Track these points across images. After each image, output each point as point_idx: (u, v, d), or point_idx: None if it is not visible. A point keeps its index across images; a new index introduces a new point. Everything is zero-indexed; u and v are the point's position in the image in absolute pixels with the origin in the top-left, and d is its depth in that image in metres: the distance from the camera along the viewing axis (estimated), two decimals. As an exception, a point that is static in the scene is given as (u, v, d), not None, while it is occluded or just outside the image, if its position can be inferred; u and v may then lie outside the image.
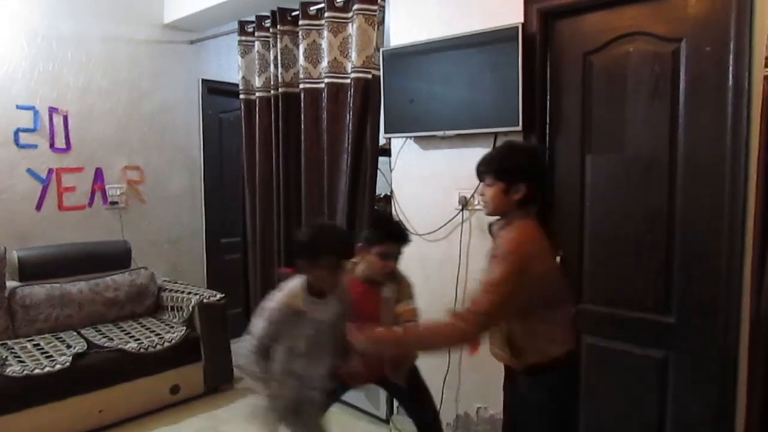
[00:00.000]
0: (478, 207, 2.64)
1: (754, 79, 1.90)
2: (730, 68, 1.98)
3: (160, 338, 3.26)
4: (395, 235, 2.22)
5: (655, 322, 2.24)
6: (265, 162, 3.57)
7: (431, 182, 2.81)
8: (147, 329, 3.41)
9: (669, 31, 2.15)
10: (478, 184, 2.06)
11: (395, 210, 2.97)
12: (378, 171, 3.08)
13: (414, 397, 2.38)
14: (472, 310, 1.71)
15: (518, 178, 1.79)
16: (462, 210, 2.69)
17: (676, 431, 2.22)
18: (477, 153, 2.60)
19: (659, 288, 2.22)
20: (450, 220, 2.74)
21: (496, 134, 2.54)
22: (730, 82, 1.98)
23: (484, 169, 1.87)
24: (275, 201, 3.53)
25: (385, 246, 2.17)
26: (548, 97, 2.45)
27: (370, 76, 2.97)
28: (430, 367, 2.80)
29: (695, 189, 2.12)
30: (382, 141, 3.09)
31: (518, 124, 2.38)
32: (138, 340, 3.22)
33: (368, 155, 3.05)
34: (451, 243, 2.75)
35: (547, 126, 2.47)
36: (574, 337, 1.88)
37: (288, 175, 3.44)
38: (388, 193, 3.14)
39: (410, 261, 2.82)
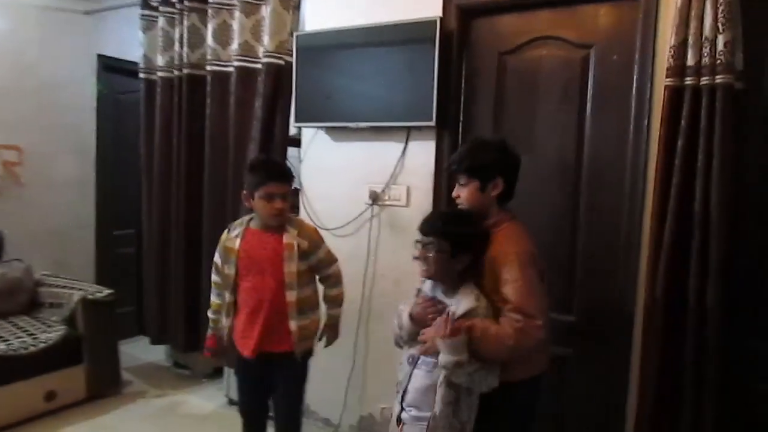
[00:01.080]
0: (388, 202, 2.58)
1: (656, 88, 1.97)
2: (635, 77, 2.05)
3: (34, 339, 2.92)
4: (275, 174, 2.10)
5: (558, 321, 2.27)
6: (165, 149, 3.31)
7: (342, 176, 2.72)
8: (19, 329, 3.04)
9: (580, 38, 2.20)
10: (447, 181, 1.90)
11: (303, 204, 2.84)
12: (287, 162, 2.94)
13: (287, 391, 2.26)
14: (528, 315, 1.55)
15: (493, 173, 1.71)
16: (372, 205, 2.62)
17: (574, 427, 2.27)
18: (389, 147, 2.57)
19: (561, 287, 2.26)
20: (359, 215, 2.66)
21: (409, 129, 2.49)
22: (634, 90, 2.05)
23: (456, 168, 1.76)
24: (175, 191, 3.28)
25: (268, 187, 2.06)
26: (463, 94, 2.44)
27: (282, 62, 2.83)
28: (334, 365, 2.71)
29: (598, 190, 2.18)
30: (292, 131, 2.96)
31: (432, 120, 2.34)
32: (7, 341, 2.86)
33: (277, 145, 2.90)
34: (360, 238, 2.66)
35: (461, 123, 2.45)
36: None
37: (190, 163, 3.20)
38: (297, 187, 3.01)
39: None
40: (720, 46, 1.75)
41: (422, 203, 2.50)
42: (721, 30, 1.74)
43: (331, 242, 2.67)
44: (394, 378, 2.57)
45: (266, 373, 2.20)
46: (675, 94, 1.85)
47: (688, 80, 1.82)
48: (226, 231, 2.22)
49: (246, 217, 2.22)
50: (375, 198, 2.61)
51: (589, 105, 2.18)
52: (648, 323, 1.98)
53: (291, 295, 2.10)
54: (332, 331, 2.32)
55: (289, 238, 2.12)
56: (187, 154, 3.20)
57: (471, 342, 1.56)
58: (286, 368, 2.19)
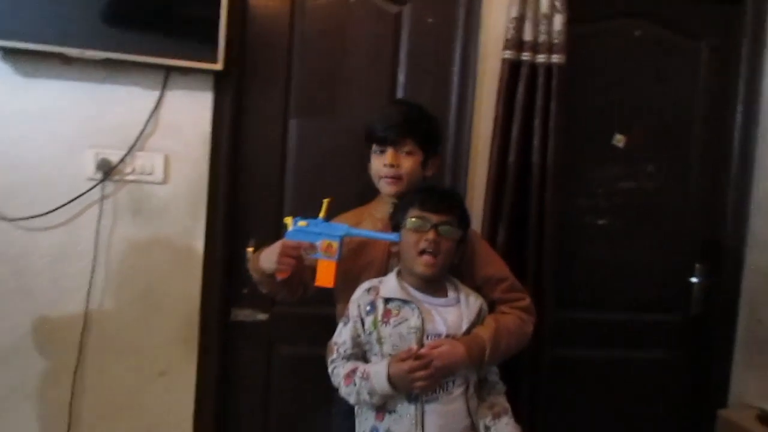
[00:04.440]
0: (131, 176, 1.74)
1: (486, 60, 1.85)
2: (458, 46, 1.89)
3: None
4: None
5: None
6: None
7: (42, 135, 1.69)
8: None
9: (392, -10, 1.91)
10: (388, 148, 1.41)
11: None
12: None
13: None
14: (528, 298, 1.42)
15: (437, 148, 1.48)
16: (103, 180, 1.72)
17: None
18: (133, 95, 1.73)
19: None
20: (79, 196, 1.72)
21: (168, 70, 1.72)
22: (457, 60, 1.89)
23: (406, 130, 1.39)
24: None
25: None
26: (247, 33, 1.82)
27: None
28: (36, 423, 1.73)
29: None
30: None
31: (217, 61, 1.66)
32: None
33: None
34: (77, 231, 1.72)
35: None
36: None
37: None
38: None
39: None
40: (557, 25, 1.74)
41: (191, 178, 1.77)
42: (558, 9, 1.74)
43: (22, 239, 1.70)
44: (143, 412, 1.79)
45: None
46: (512, 69, 1.77)
47: (525, 56, 1.76)
48: None
49: None
50: (108, 170, 1.72)
51: (403, 69, 1.91)
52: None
53: None
54: None
55: None
56: None
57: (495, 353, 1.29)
58: None
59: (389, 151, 1.39)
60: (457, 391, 1.25)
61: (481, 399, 1.30)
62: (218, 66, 1.66)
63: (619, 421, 2.13)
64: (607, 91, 2.04)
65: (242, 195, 1.86)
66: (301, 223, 1.33)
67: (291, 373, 1.93)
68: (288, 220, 1.35)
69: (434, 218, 1.27)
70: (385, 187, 1.42)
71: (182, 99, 1.75)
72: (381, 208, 1.46)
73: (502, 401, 1.32)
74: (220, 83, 1.75)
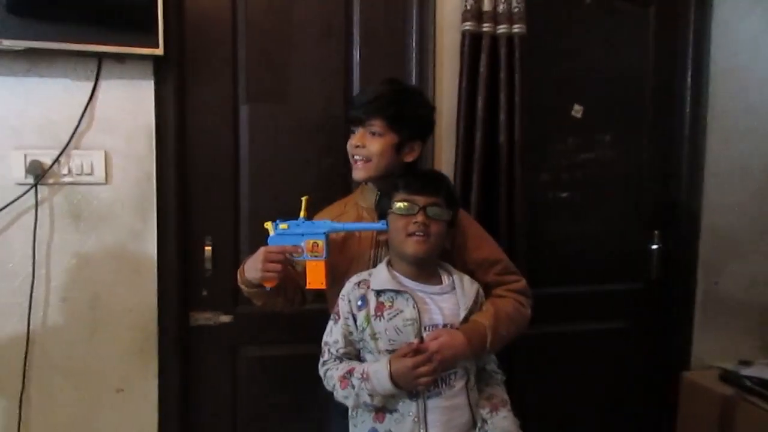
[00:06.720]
0: (68, 178, 1.57)
1: (443, 33, 1.78)
2: (414, 19, 1.80)
3: None
4: None
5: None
6: None
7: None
8: None
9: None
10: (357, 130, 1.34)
11: None
12: None
13: None
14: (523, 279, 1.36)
15: (417, 132, 1.32)
16: (35, 185, 1.54)
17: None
18: (63, 88, 1.56)
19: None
20: (9, 204, 1.53)
21: (101, 57, 1.55)
22: (414, 34, 1.80)
23: (373, 109, 1.28)
24: None
25: None
26: (184, 13, 1.67)
27: None
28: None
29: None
30: None
31: (157, 45, 1.51)
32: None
33: None
34: (11, 244, 1.55)
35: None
36: None
37: None
38: None
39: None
40: (516, -7, 1.69)
41: (135, 176, 1.62)
42: (516, -23, 1.69)
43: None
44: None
45: None
46: (473, 41, 1.70)
47: (486, 27, 1.70)
48: None
49: None
50: (40, 172, 1.54)
51: (357, 46, 1.81)
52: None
53: None
54: None
55: None
56: None
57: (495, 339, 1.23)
58: None
59: (359, 131, 1.30)
60: (459, 384, 1.19)
61: (480, 390, 1.25)
62: (158, 50, 1.51)
63: (590, 393, 2.14)
64: (563, 61, 2.01)
65: (193, 191, 1.72)
66: (282, 225, 1.26)
67: (259, 376, 1.83)
68: (268, 225, 1.27)
69: (421, 200, 1.20)
70: (353, 171, 1.33)
71: (120, 89, 1.59)
72: (366, 197, 1.38)
73: (501, 392, 1.27)
74: (160, 70, 1.60)
